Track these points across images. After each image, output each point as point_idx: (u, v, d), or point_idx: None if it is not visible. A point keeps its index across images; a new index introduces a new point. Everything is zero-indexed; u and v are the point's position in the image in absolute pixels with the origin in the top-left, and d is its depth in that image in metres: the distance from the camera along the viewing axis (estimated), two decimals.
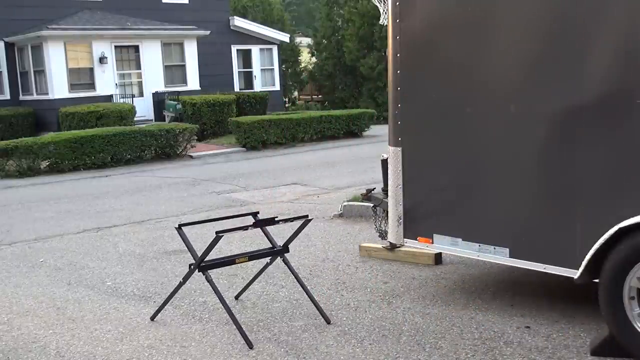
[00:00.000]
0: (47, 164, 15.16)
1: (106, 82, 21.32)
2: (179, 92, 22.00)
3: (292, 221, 4.72)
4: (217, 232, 4.22)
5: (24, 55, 21.54)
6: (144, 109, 21.44)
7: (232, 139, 19.04)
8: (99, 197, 11.22)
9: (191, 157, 17.08)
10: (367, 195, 7.50)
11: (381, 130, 18.40)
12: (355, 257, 6.38)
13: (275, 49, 27.32)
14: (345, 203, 8.42)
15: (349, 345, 4.22)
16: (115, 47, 21.63)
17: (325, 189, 10.77)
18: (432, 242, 4.88)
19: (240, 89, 25.75)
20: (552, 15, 4.09)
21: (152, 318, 4.88)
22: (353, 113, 20.75)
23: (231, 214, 5.41)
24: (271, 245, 4.87)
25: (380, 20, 13.20)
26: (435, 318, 4.61)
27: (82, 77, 21.08)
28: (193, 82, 23.15)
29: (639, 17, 3.71)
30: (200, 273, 4.46)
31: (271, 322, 4.71)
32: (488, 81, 4.44)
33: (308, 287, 4.89)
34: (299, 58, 35.67)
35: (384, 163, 5.91)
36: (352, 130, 20.11)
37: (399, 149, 5.01)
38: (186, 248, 4.64)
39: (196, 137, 17.95)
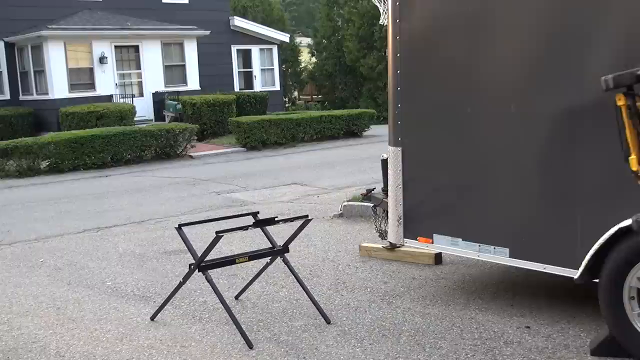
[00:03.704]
0: (47, 164, 15.15)
1: (106, 82, 21.32)
2: (179, 92, 22.00)
3: (292, 221, 4.73)
4: (217, 232, 4.22)
5: (24, 55, 21.54)
6: (144, 109, 21.44)
7: (232, 139, 19.04)
8: (99, 197, 11.22)
9: (191, 157, 17.08)
10: (367, 195, 7.51)
11: (381, 130, 18.40)
12: (355, 257, 6.38)
13: (275, 49, 27.31)
14: (345, 203, 8.42)
15: (349, 345, 4.22)
16: (115, 47, 21.63)
17: (325, 189, 10.77)
18: (432, 242, 4.88)
19: (240, 89, 25.75)
20: (552, 15, 4.09)
21: (152, 318, 4.88)
22: (353, 113, 20.74)
23: (231, 214, 5.41)
24: (271, 245, 4.87)
25: (380, 20, 13.19)
26: (435, 318, 4.61)
27: (82, 77, 21.08)
28: (193, 82, 23.15)
29: (638, 17, 3.71)
30: (200, 273, 4.46)
31: (271, 322, 4.71)
32: (488, 81, 4.44)
33: (308, 287, 4.89)
34: (299, 58, 35.68)
35: (384, 163, 5.92)
36: (352, 130, 20.10)
37: (399, 149, 5.01)
38: (186, 248, 4.64)
39: (196, 137, 17.94)
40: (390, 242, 5.93)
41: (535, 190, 4.28)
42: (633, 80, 2.77)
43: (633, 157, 2.83)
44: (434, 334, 4.32)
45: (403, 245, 5.37)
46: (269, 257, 4.98)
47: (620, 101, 2.82)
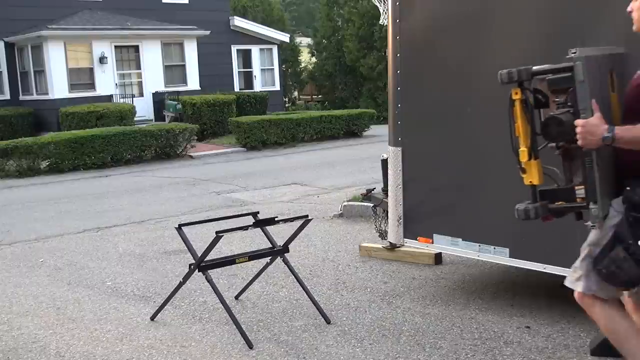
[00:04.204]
0: (47, 164, 15.16)
1: (106, 82, 21.32)
2: (179, 92, 22.00)
3: (292, 221, 4.73)
4: (217, 232, 4.22)
5: (24, 55, 21.55)
6: (144, 109, 21.43)
7: (232, 139, 19.04)
8: (99, 197, 11.22)
9: (191, 157, 17.08)
10: (367, 195, 7.52)
11: (381, 130, 18.39)
12: (355, 257, 6.38)
13: (275, 49, 27.31)
14: (345, 203, 8.43)
15: (349, 345, 4.22)
16: (115, 47, 21.63)
17: (325, 189, 10.77)
18: (432, 242, 4.88)
19: (240, 89, 25.75)
20: (551, 15, 4.09)
21: (152, 318, 4.88)
22: (353, 113, 20.75)
23: (231, 214, 5.41)
24: (271, 245, 4.87)
25: (380, 20, 13.22)
26: (435, 318, 4.61)
27: (82, 77, 21.08)
28: (193, 82, 23.15)
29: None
30: (200, 273, 4.46)
31: (271, 322, 4.71)
32: (488, 81, 4.43)
33: (308, 287, 4.89)
34: (299, 58, 35.67)
35: (384, 163, 5.92)
36: (352, 130, 20.10)
37: (399, 149, 5.01)
38: (186, 248, 4.64)
39: (196, 137, 17.95)
40: (390, 242, 5.93)
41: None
42: (529, 76, 2.98)
43: (523, 149, 3.01)
44: (434, 334, 4.32)
45: (403, 245, 5.37)
46: (269, 257, 4.98)
47: (517, 95, 3.01)
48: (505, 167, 4.41)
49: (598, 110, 2.72)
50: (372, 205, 6.76)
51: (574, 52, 2.81)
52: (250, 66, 26.66)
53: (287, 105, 31.83)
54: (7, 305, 5.46)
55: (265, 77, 27.08)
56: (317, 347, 4.20)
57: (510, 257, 4.41)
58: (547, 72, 2.92)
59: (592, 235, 2.96)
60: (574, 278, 3.06)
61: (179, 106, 21.00)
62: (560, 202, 3.05)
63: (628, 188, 2.82)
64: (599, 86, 2.84)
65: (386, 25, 5.72)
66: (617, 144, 2.70)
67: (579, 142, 2.74)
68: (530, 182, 3.07)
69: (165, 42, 22.67)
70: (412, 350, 4.08)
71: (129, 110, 19.55)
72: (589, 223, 2.89)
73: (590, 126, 2.70)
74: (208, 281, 4.45)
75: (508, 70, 2.98)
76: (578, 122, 2.74)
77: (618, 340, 3.00)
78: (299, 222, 4.70)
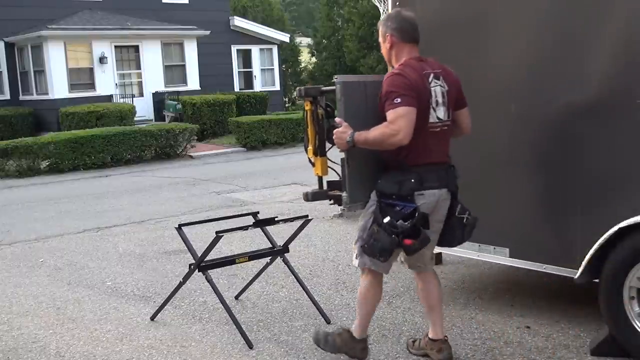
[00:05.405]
0: (47, 164, 15.15)
1: (106, 82, 21.33)
2: (179, 92, 22.00)
3: (292, 221, 4.73)
4: (217, 232, 4.22)
5: (24, 55, 21.54)
6: (144, 109, 21.44)
7: (232, 139, 19.04)
8: (99, 197, 11.22)
9: (191, 157, 17.08)
10: None
11: None
12: None
13: (275, 49, 27.31)
14: None
15: None
16: (115, 47, 21.63)
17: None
18: None
19: (240, 89, 25.75)
20: (552, 15, 4.09)
21: (152, 318, 4.88)
22: None
23: (231, 214, 5.41)
24: (271, 245, 4.87)
25: None
26: None
27: (82, 77, 21.09)
28: (193, 82, 23.16)
29: (638, 16, 3.71)
30: (200, 273, 4.46)
31: (271, 322, 4.71)
32: (488, 81, 4.44)
33: (308, 287, 4.89)
34: (299, 58, 35.68)
35: None
36: None
37: None
38: (186, 248, 4.64)
39: (196, 137, 17.95)
40: None
41: (536, 190, 4.28)
42: (318, 93, 3.75)
43: (310, 148, 3.88)
44: None
45: None
46: (269, 257, 4.98)
47: (307, 106, 3.79)
48: (505, 167, 4.42)
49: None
50: None
51: (336, 78, 3.52)
52: (250, 66, 26.66)
53: (287, 105, 31.82)
54: (7, 305, 5.46)
55: (265, 77, 27.08)
56: (317, 347, 4.19)
57: (510, 257, 4.41)
58: (331, 91, 3.57)
59: (360, 221, 3.63)
60: (354, 256, 3.68)
61: (179, 106, 21.01)
62: (335, 190, 3.80)
63: (380, 181, 3.54)
64: (359, 102, 3.54)
65: None
66: (358, 146, 3.41)
67: (336, 145, 3.52)
68: (317, 173, 3.91)
69: (165, 42, 22.67)
70: None
71: (129, 110, 19.55)
72: (343, 207, 3.64)
73: (339, 133, 3.47)
74: (208, 281, 4.45)
75: (299, 88, 3.73)
76: (335, 131, 3.48)
77: (360, 302, 3.76)
78: (299, 222, 4.70)
